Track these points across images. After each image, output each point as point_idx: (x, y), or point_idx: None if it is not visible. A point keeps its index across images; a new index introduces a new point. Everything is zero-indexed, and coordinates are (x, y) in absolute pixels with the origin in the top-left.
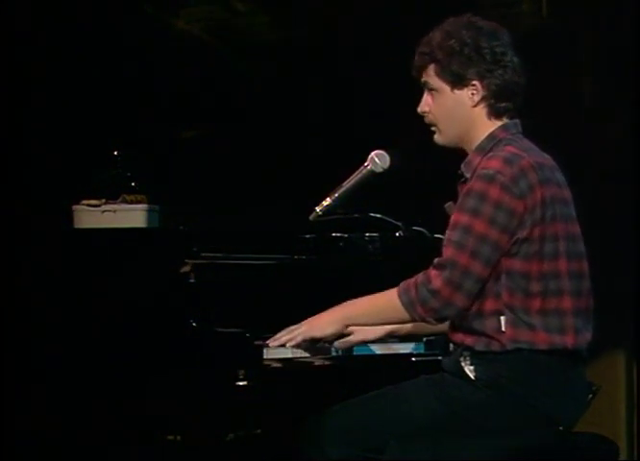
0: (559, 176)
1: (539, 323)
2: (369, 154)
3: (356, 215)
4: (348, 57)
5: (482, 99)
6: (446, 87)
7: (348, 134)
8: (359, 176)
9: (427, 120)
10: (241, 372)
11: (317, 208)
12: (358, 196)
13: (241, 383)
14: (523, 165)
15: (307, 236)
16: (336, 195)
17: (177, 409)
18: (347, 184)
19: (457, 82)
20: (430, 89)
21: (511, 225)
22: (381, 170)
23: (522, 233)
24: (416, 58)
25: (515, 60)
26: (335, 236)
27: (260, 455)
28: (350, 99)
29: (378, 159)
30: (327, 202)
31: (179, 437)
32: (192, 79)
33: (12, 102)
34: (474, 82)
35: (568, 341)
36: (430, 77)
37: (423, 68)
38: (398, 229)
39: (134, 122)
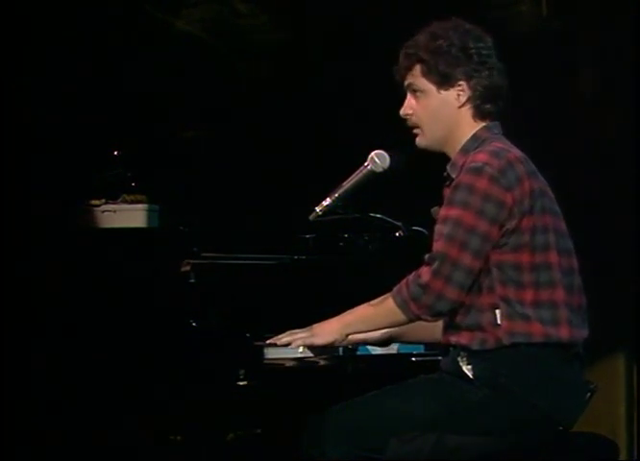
0: (541, 176)
1: (533, 314)
2: (369, 154)
3: (357, 215)
4: (348, 57)
5: (468, 100)
6: (432, 88)
7: (348, 135)
8: (359, 176)
9: (409, 123)
10: (241, 372)
11: (317, 208)
12: (358, 196)
13: (241, 383)
14: (510, 158)
15: (307, 236)
16: (336, 195)
17: (177, 409)
18: (347, 184)
19: (444, 81)
20: (415, 91)
21: (500, 216)
22: (381, 170)
23: (510, 224)
24: (401, 59)
25: (499, 64)
26: (335, 236)
27: (260, 455)
28: (350, 99)
29: (378, 159)
30: (327, 202)
31: (179, 437)
32: (192, 79)
33: (12, 102)
34: (460, 82)
35: (563, 334)
36: (416, 78)
37: (408, 69)
38: (398, 229)
39: (134, 122)
